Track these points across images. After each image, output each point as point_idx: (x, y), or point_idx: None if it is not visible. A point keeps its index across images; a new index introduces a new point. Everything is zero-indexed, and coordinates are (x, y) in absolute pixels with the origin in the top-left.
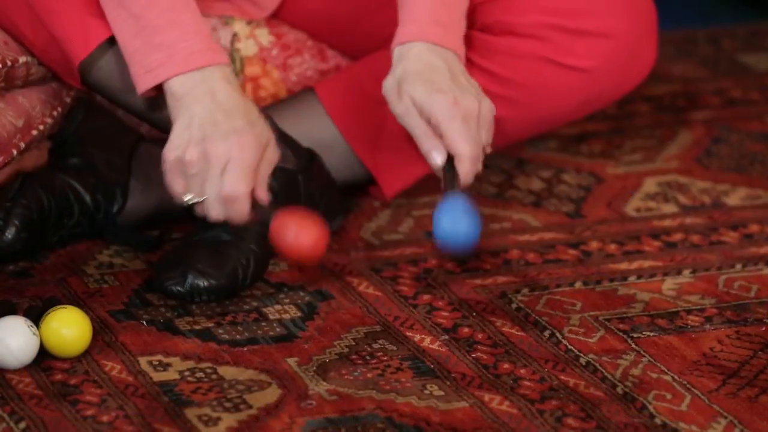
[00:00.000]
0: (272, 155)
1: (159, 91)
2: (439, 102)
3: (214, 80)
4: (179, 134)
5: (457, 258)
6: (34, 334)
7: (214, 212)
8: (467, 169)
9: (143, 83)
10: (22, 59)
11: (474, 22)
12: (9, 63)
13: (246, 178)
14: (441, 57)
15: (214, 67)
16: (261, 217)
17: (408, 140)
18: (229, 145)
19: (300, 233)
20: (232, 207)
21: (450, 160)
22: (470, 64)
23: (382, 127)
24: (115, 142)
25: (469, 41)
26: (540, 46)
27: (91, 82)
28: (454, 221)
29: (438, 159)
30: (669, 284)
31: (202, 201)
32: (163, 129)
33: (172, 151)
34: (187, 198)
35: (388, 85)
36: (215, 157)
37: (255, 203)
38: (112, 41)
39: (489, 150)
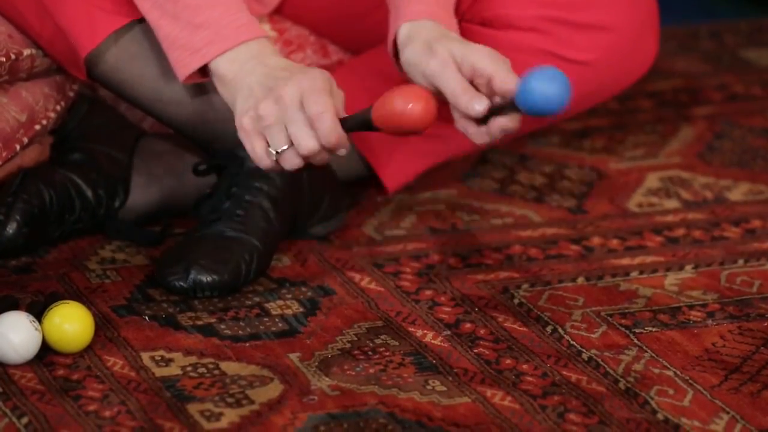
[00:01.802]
0: (338, 91)
1: (199, 77)
2: (481, 50)
3: (263, 54)
4: (243, 102)
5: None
6: (36, 329)
7: (306, 144)
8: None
9: (189, 64)
10: (27, 52)
11: (474, 16)
12: (13, 56)
13: (325, 95)
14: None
15: (260, 40)
16: (361, 119)
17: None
18: (297, 81)
19: (406, 103)
20: (322, 129)
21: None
22: None
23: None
24: (117, 138)
25: (470, 35)
26: (541, 40)
27: (97, 75)
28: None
29: (481, 106)
30: (671, 280)
31: (287, 149)
32: (169, 125)
33: (243, 115)
34: (273, 152)
35: (414, 51)
36: (288, 96)
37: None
38: (119, 34)
39: None
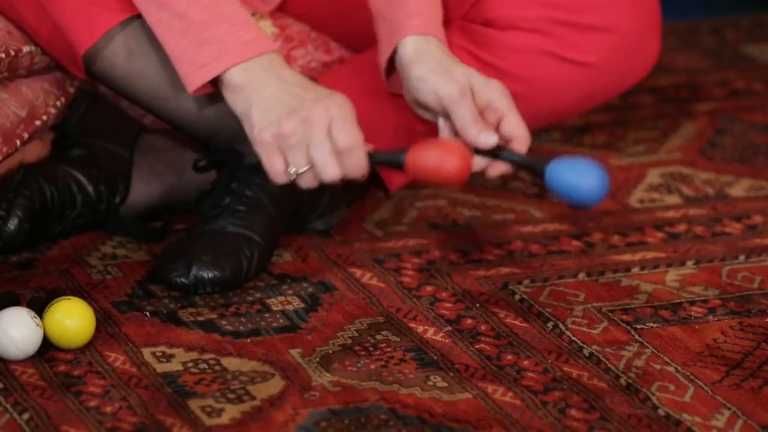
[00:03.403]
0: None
1: (210, 88)
2: (499, 88)
3: (275, 67)
4: (264, 116)
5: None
6: (37, 325)
7: (330, 172)
8: (524, 150)
9: (197, 79)
10: (26, 49)
11: (477, 16)
12: (12, 53)
13: (355, 128)
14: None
15: (269, 54)
16: (391, 158)
17: (410, 134)
18: (326, 106)
19: (443, 157)
20: (350, 159)
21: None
22: (473, 58)
23: (385, 120)
24: (118, 133)
25: (471, 36)
26: (543, 41)
27: (95, 72)
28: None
29: (492, 138)
30: (672, 275)
31: (306, 170)
32: (168, 121)
33: (265, 129)
34: (291, 171)
35: (429, 70)
36: (317, 120)
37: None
38: (116, 31)
39: None
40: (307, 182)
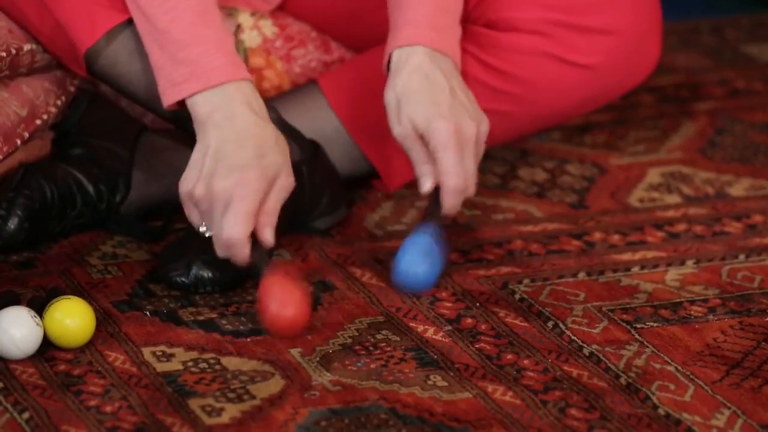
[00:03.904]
0: (285, 183)
1: (183, 105)
2: (439, 129)
3: (235, 103)
4: (193, 165)
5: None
6: (37, 324)
7: (219, 251)
8: (451, 202)
9: (170, 96)
10: (27, 47)
11: (478, 18)
12: (14, 51)
13: (243, 223)
14: (439, 68)
15: (236, 83)
16: (257, 261)
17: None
18: (231, 182)
19: (282, 305)
20: (230, 251)
21: (437, 188)
22: (474, 59)
23: (385, 120)
24: (119, 133)
25: (473, 37)
26: (544, 43)
27: (96, 71)
28: (414, 262)
29: (426, 185)
30: (672, 275)
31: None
32: (169, 120)
33: (183, 184)
34: (202, 230)
35: (389, 100)
36: (217, 195)
37: (256, 244)
38: (118, 30)
39: (475, 181)
40: (215, 245)
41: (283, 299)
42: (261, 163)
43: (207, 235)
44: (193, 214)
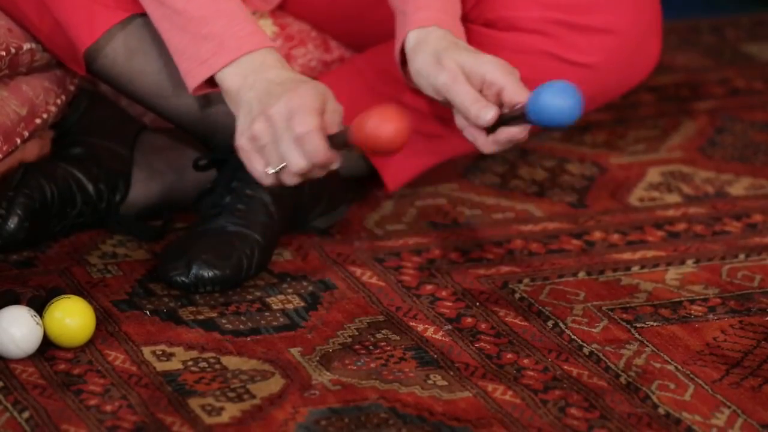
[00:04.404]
0: (335, 105)
1: (208, 87)
2: (491, 62)
3: (266, 67)
4: (243, 120)
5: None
6: (37, 323)
7: (296, 163)
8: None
9: (197, 75)
10: (27, 46)
11: (478, 17)
12: (13, 50)
13: (312, 114)
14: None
15: (264, 50)
16: (338, 139)
17: (413, 133)
18: (286, 99)
19: (380, 123)
20: (308, 148)
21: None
22: None
23: None
24: (118, 132)
25: (473, 36)
26: (544, 42)
27: (96, 70)
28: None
29: (490, 113)
30: (672, 274)
31: (282, 168)
32: (169, 119)
33: (241, 135)
34: (269, 171)
35: (423, 62)
36: (277, 114)
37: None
38: (117, 29)
39: None
40: (288, 180)
41: (381, 115)
42: (307, 84)
43: (273, 171)
44: (256, 163)
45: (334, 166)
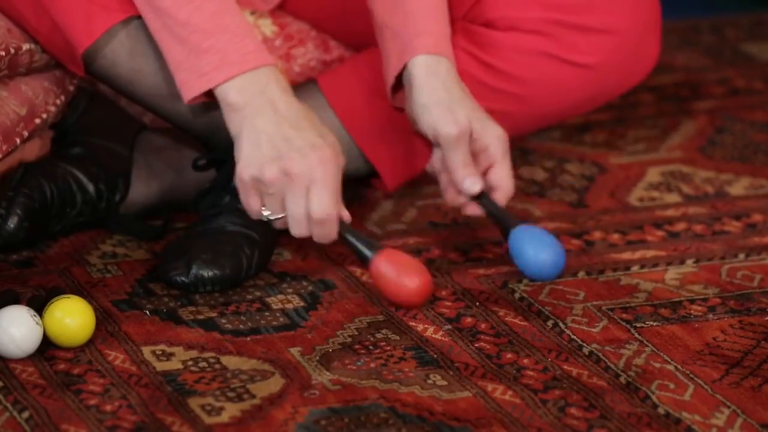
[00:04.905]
0: (342, 161)
1: (205, 98)
2: (501, 136)
3: (271, 89)
4: (250, 153)
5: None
6: (37, 323)
7: (299, 231)
8: (503, 202)
9: (195, 87)
10: (26, 46)
11: (477, 17)
12: (12, 51)
13: (335, 200)
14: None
15: (267, 68)
16: (360, 251)
17: (411, 133)
18: (310, 162)
19: (406, 275)
20: (321, 229)
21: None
22: (473, 59)
23: (384, 119)
24: (118, 132)
25: (472, 36)
26: (543, 42)
27: (94, 71)
28: (540, 250)
29: (477, 186)
30: (672, 274)
31: (280, 217)
32: (168, 119)
33: (246, 169)
34: (266, 214)
35: (434, 103)
36: (298, 175)
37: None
38: (116, 30)
39: None
40: (279, 225)
41: (407, 268)
42: (327, 142)
43: (270, 218)
44: (252, 201)
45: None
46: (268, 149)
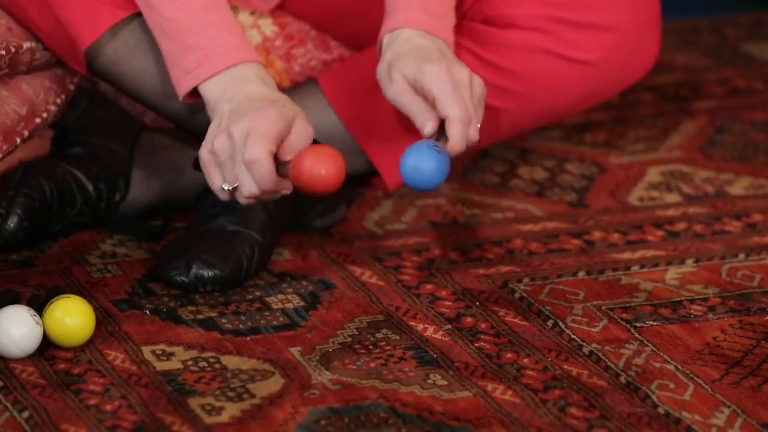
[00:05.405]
0: (304, 127)
1: (196, 97)
2: (430, 70)
3: (246, 81)
4: (210, 133)
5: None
6: (37, 323)
7: (247, 188)
8: (458, 132)
9: (184, 85)
10: (26, 45)
11: (477, 15)
12: (13, 49)
13: (263, 141)
14: (430, 41)
15: (247, 64)
16: (283, 169)
17: (410, 131)
18: (248, 118)
19: (315, 164)
20: (255, 175)
21: (442, 129)
22: (473, 56)
23: (384, 118)
24: (118, 132)
25: (471, 34)
26: (543, 39)
27: (96, 69)
28: (420, 160)
29: (429, 125)
30: (672, 274)
31: (236, 187)
32: (169, 118)
33: (204, 147)
34: (225, 187)
35: (380, 71)
36: (237, 133)
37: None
38: (119, 27)
39: (478, 129)
40: (241, 199)
41: (317, 157)
42: (275, 105)
43: (228, 189)
44: (214, 177)
45: (286, 192)
46: (224, 123)
